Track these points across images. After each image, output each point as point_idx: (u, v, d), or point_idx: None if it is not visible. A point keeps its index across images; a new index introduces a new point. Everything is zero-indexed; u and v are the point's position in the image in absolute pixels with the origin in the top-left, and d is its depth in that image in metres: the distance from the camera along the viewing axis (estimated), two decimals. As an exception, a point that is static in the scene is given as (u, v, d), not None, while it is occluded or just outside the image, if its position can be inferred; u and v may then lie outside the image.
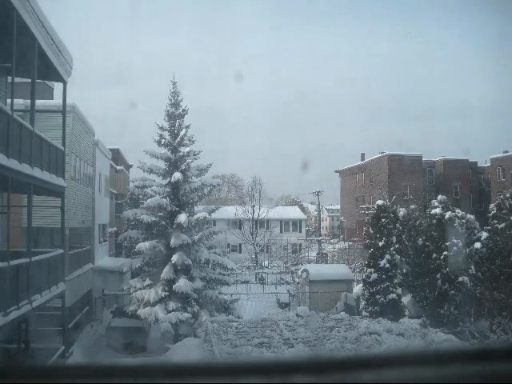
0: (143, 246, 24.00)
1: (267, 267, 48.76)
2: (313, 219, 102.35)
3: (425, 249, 25.01)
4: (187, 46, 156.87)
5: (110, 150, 36.57)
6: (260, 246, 54.56)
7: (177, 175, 24.44)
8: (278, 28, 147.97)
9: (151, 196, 24.90)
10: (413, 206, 29.44)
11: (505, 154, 54.74)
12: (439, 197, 26.69)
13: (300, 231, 63.56)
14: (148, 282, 24.09)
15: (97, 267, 28.59)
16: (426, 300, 24.66)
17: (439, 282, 23.69)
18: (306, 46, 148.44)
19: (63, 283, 17.84)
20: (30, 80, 15.02)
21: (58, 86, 23.95)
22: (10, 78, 16.27)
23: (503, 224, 24.77)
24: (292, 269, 43.92)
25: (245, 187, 71.10)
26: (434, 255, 24.18)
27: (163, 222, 25.00)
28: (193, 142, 25.83)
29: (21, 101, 18.36)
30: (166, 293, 23.22)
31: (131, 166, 52.63)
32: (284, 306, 32.00)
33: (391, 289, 24.27)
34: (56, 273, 17.02)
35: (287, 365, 1.08)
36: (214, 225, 30.54)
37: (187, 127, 25.79)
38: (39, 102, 17.36)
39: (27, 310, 13.61)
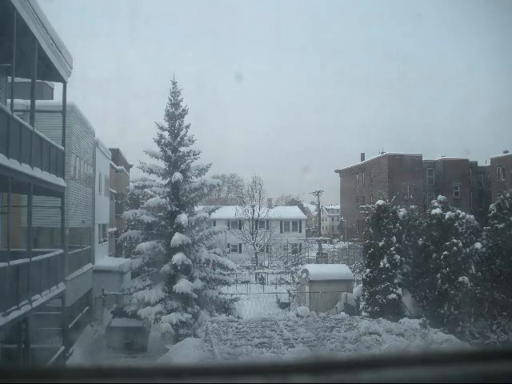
0: (143, 246, 23.99)
1: (267, 267, 48.78)
2: (313, 219, 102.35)
3: (425, 249, 24.99)
4: (188, 45, 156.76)
5: (110, 149, 36.61)
6: (260, 245, 54.56)
7: (177, 175, 24.43)
8: (279, 28, 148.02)
9: (151, 196, 24.89)
10: (413, 206, 29.36)
11: (505, 154, 54.76)
12: (439, 197, 26.65)
13: (300, 231, 63.55)
14: (148, 282, 24.10)
15: (97, 267, 28.61)
16: (426, 300, 24.63)
17: (439, 282, 23.66)
18: (307, 47, 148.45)
19: (63, 283, 17.85)
20: (30, 80, 15.02)
21: (57, 86, 23.98)
22: (10, 78, 16.29)
23: (503, 224, 24.73)
24: (292, 269, 43.93)
25: (245, 187, 71.19)
26: (434, 255, 24.16)
27: (163, 222, 24.98)
28: (193, 141, 25.81)
29: (21, 101, 18.39)
30: (166, 293, 23.23)
31: (131, 165, 52.66)
32: (284, 306, 32.02)
33: (391, 289, 24.25)
34: (56, 273, 17.02)
35: (287, 365, 1.08)
36: (214, 225, 30.48)
37: (187, 127, 25.78)
38: (39, 102, 17.36)
39: (27, 310, 13.60)
